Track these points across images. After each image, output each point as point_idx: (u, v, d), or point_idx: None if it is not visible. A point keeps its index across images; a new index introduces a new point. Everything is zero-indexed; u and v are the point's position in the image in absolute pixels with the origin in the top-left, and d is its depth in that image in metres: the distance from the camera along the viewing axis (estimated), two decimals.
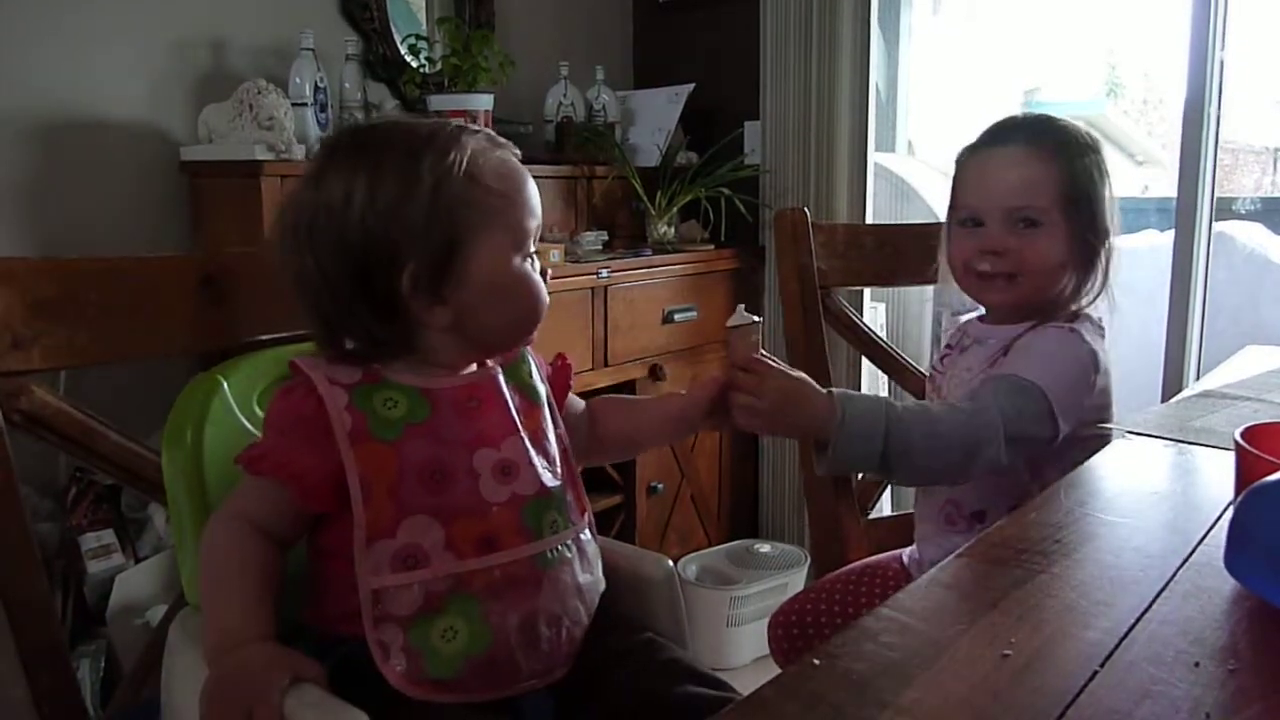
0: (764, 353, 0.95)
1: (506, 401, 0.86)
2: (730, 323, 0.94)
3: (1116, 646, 0.53)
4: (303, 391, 0.80)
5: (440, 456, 0.80)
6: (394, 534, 0.77)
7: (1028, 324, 1.09)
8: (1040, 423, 0.97)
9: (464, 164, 0.81)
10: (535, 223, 0.86)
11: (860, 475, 1.57)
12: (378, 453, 0.78)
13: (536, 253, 0.87)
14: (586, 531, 0.89)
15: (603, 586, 0.90)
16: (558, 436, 0.90)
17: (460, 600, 0.78)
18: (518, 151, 0.87)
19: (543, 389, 0.91)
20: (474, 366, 0.87)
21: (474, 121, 2.05)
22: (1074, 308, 1.10)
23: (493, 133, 0.86)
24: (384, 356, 0.83)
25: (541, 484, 0.84)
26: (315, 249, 0.80)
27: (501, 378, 0.87)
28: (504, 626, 0.79)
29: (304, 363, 0.82)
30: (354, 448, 0.78)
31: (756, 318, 0.93)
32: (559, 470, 0.87)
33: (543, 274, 0.87)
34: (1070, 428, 0.99)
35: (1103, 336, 1.08)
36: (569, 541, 0.85)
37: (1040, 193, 1.05)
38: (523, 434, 0.85)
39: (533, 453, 0.85)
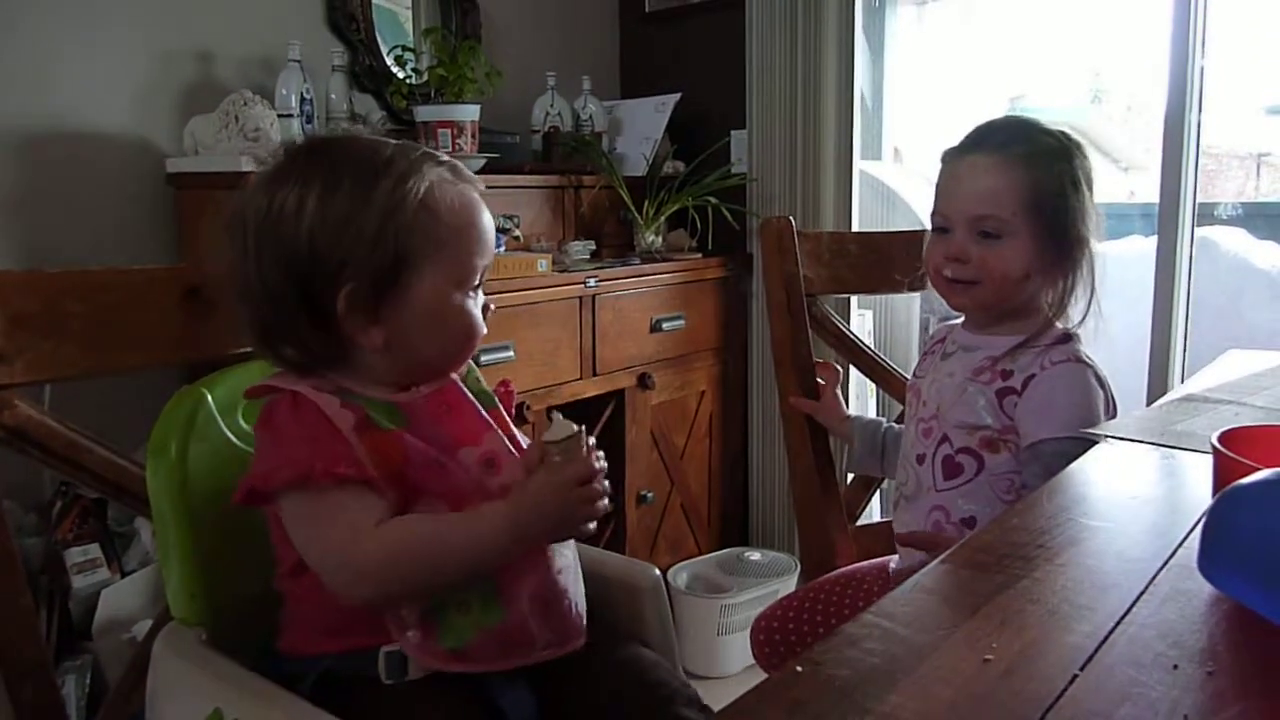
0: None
1: (473, 404, 0.87)
2: (548, 437, 0.82)
3: (1096, 650, 0.53)
4: (299, 403, 0.80)
5: (433, 452, 0.81)
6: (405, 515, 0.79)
7: (1012, 337, 1.10)
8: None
9: (420, 192, 0.81)
10: (484, 261, 0.86)
11: (849, 477, 1.58)
12: (385, 440, 0.79)
13: (479, 288, 0.87)
14: None
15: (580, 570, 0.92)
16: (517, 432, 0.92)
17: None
18: (482, 188, 0.87)
19: (492, 393, 0.92)
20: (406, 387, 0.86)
21: (461, 132, 2.06)
22: (1064, 326, 1.11)
23: (460, 165, 0.86)
24: (319, 367, 0.83)
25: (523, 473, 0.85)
26: (260, 253, 0.80)
27: (462, 385, 0.88)
28: (516, 597, 0.81)
29: (279, 381, 0.82)
30: (361, 440, 0.78)
31: (576, 426, 0.82)
32: None
33: (484, 309, 0.88)
34: None
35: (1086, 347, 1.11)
36: None
37: (1003, 202, 1.06)
38: (496, 429, 0.87)
39: (509, 446, 0.86)
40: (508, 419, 0.91)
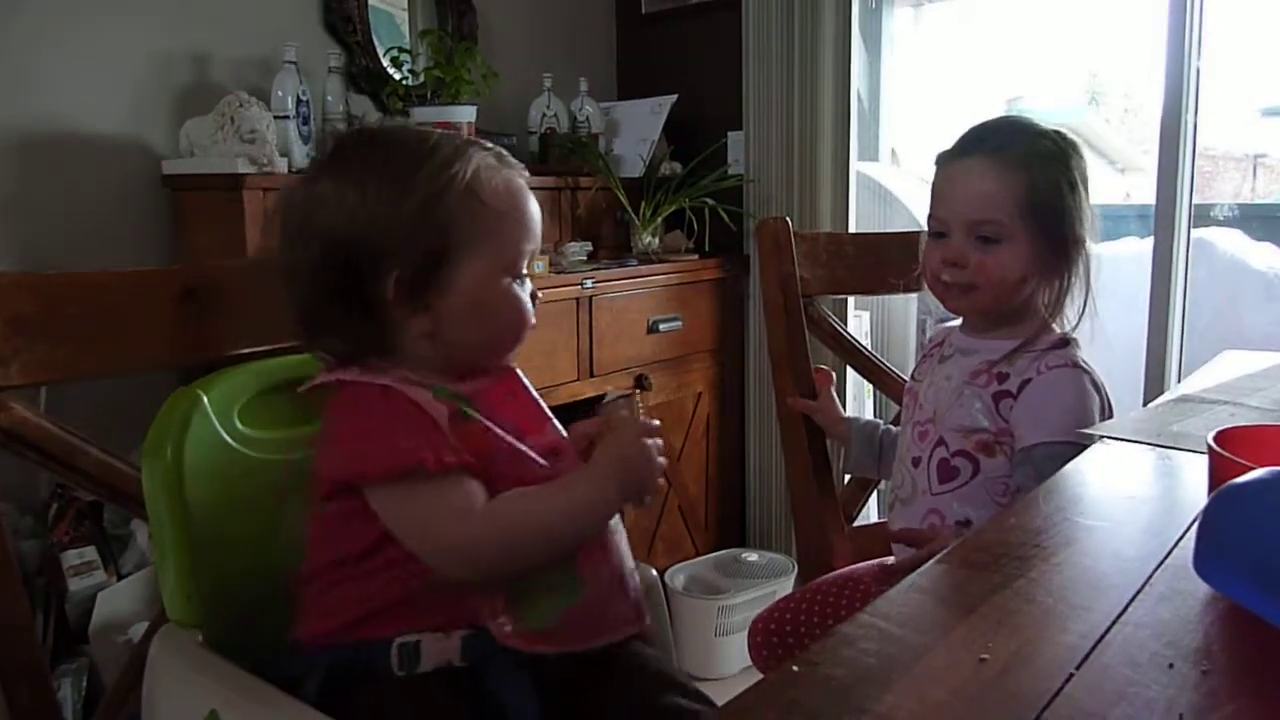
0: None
1: (533, 393, 0.89)
2: (607, 401, 0.92)
3: (1092, 650, 0.53)
4: (390, 395, 0.80)
5: (511, 441, 0.83)
6: None
7: (1009, 340, 1.10)
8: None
9: (466, 177, 0.81)
10: (531, 246, 0.86)
11: (846, 478, 1.58)
12: (473, 433, 0.81)
13: (528, 275, 0.88)
14: None
15: None
16: None
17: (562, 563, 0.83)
18: (526, 173, 0.88)
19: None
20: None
21: (456, 133, 2.06)
22: (1061, 330, 1.11)
23: (504, 152, 0.87)
24: (365, 356, 0.83)
25: (580, 464, 0.87)
26: (307, 241, 0.81)
27: (521, 374, 0.90)
28: (596, 577, 0.84)
29: (353, 376, 0.82)
30: (454, 432, 0.79)
31: (627, 392, 0.92)
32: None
33: (533, 297, 0.88)
34: None
35: (1082, 351, 1.10)
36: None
37: (1000, 206, 1.06)
38: (554, 421, 0.89)
39: (565, 436, 0.89)
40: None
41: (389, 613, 0.80)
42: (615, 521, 0.88)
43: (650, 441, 0.83)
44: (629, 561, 0.89)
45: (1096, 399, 1.07)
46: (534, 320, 0.88)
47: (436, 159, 0.81)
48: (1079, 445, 0.98)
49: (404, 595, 0.80)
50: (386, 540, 0.80)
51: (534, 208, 0.86)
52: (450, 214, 0.80)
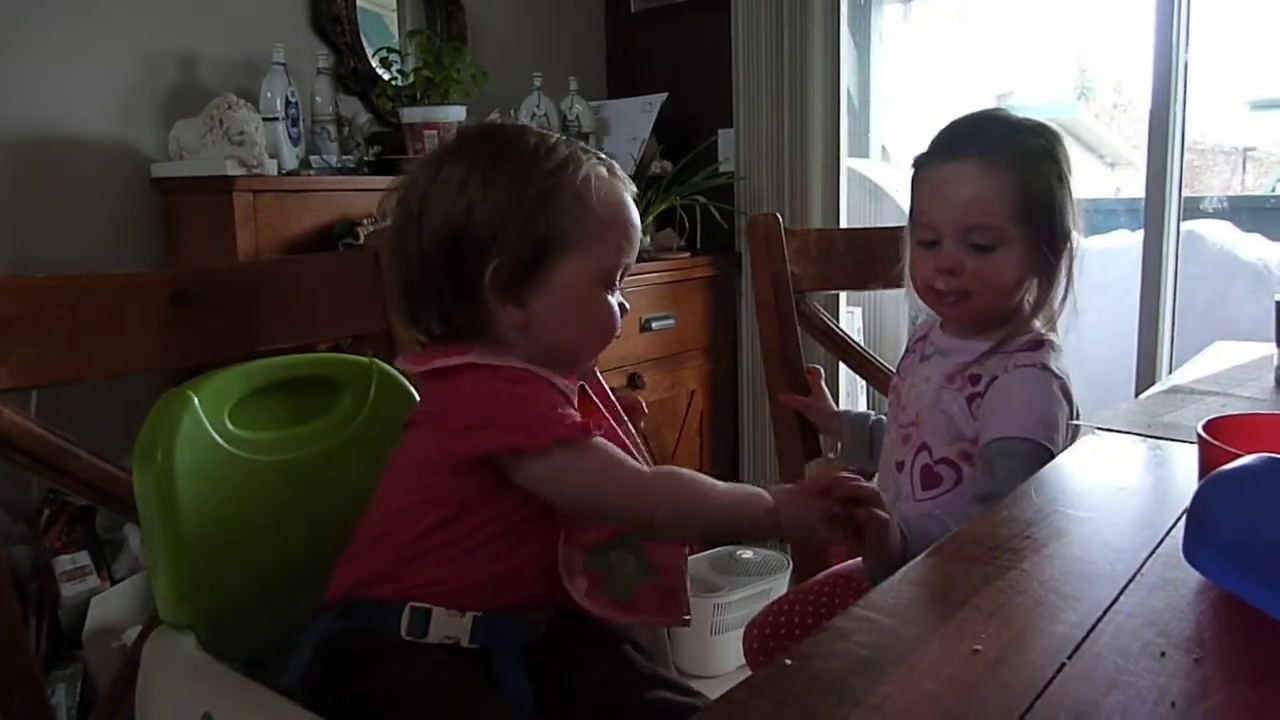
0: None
1: (614, 403, 0.94)
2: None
3: (1084, 639, 0.54)
4: (527, 375, 0.84)
5: (615, 427, 0.89)
6: None
7: (988, 341, 1.07)
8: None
9: (577, 181, 0.85)
10: (629, 259, 0.90)
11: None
12: (591, 417, 0.86)
13: (619, 287, 0.90)
14: None
15: None
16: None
17: (628, 537, 0.88)
18: (634, 189, 0.91)
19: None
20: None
21: (447, 134, 2.06)
22: (1041, 326, 1.08)
23: (615, 164, 0.91)
24: (459, 337, 0.87)
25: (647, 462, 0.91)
26: (421, 220, 0.85)
27: (602, 379, 0.94)
28: (661, 561, 0.89)
29: (489, 357, 0.85)
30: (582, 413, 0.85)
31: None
32: None
33: (621, 308, 0.91)
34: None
35: (1060, 353, 1.07)
36: None
37: (994, 211, 1.02)
38: (629, 426, 0.93)
39: (637, 437, 0.93)
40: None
41: (413, 577, 0.84)
42: None
43: (823, 497, 0.82)
44: (684, 554, 0.93)
45: (1065, 407, 1.03)
46: (620, 328, 0.91)
47: (553, 158, 0.85)
48: (1038, 446, 0.97)
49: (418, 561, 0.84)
50: (461, 514, 0.84)
51: (637, 221, 0.90)
52: (557, 214, 0.84)
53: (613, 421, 0.90)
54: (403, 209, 0.87)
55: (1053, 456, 0.96)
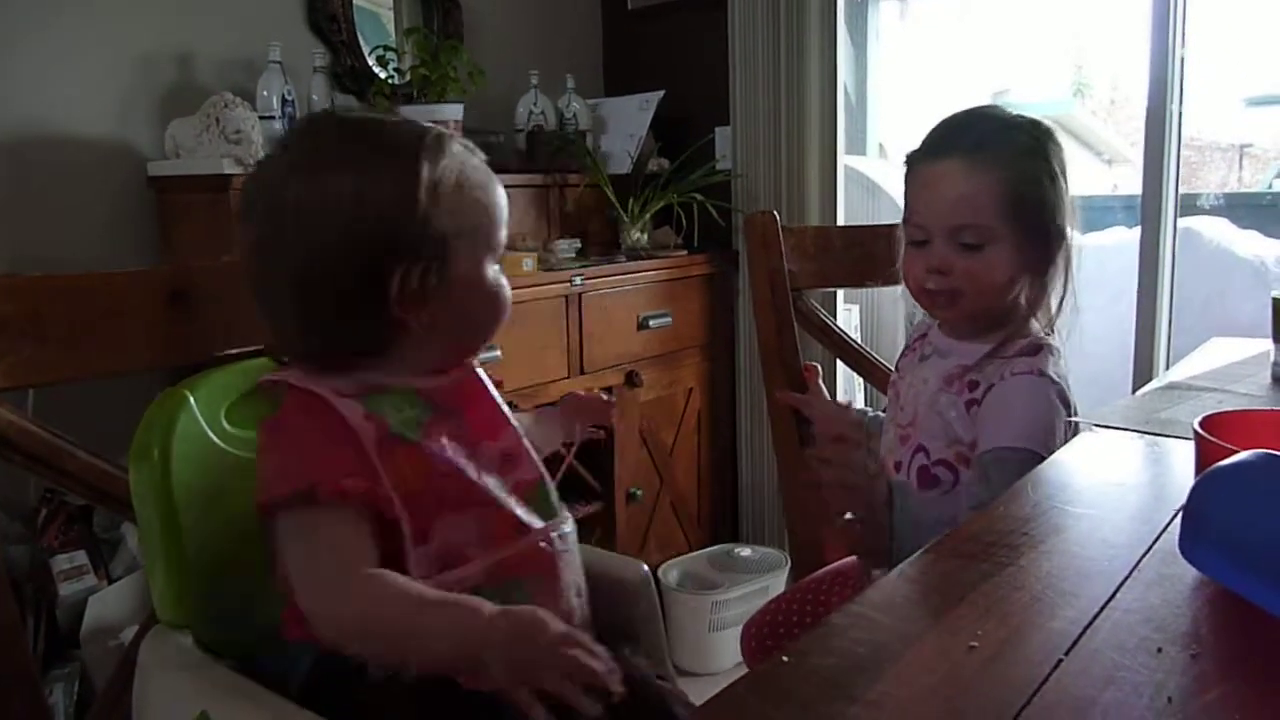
0: None
1: (493, 395, 0.88)
2: None
3: (1081, 635, 0.54)
4: (317, 407, 0.78)
5: (454, 454, 0.81)
6: (428, 537, 0.77)
7: (988, 344, 1.07)
8: None
9: (456, 170, 0.82)
10: (505, 232, 0.88)
11: None
12: (405, 455, 0.78)
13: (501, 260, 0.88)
14: (570, 516, 0.91)
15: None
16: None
17: (503, 588, 0.79)
18: (485, 158, 0.88)
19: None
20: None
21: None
22: (1042, 329, 1.08)
23: (465, 140, 0.87)
24: (357, 357, 0.82)
25: (538, 471, 0.87)
26: (306, 244, 0.78)
27: (482, 373, 0.89)
28: (546, 605, 0.78)
29: (296, 379, 0.80)
30: (382, 456, 0.76)
31: None
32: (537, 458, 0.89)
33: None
34: None
35: (1060, 357, 1.06)
36: (569, 522, 0.88)
37: (981, 210, 1.02)
38: (513, 424, 0.87)
39: (524, 441, 0.87)
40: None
41: None
42: (567, 538, 0.86)
43: (570, 653, 0.68)
44: (579, 578, 0.86)
45: (1062, 412, 1.02)
46: (511, 304, 0.88)
47: (426, 153, 0.80)
48: (1034, 455, 0.96)
49: None
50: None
51: (504, 194, 0.87)
52: (449, 207, 0.81)
53: (470, 437, 0.82)
54: (270, 232, 0.79)
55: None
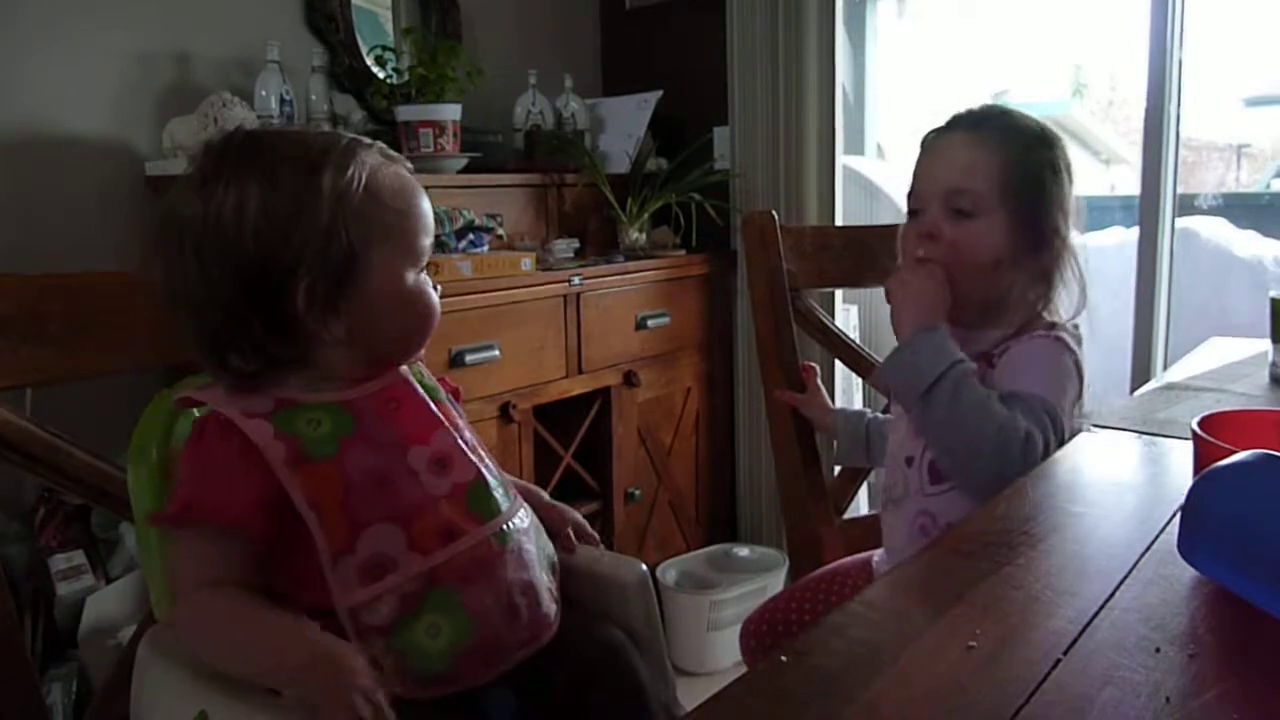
0: None
1: (423, 398, 0.87)
2: None
3: (1079, 635, 0.54)
4: (221, 430, 0.78)
5: (379, 463, 0.80)
6: (354, 549, 0.77)
7: (1003, 331, 1.07)
8: (1058, 432, 0.97)
9: (363, 179, 0.81)
10: (429, 239, 0.86)
11: (835, 471, 1.58)
12: (319, 472, 0.78)
13: (427, 267, 0.87)
14: (524, 506, 0.90)
15: (553, 549, 0.92)
16: (469, 426, 0.91)
17: (437, 595, 0.79)
18: (410, 166, 0.88)
19: (440, 389, 0.92)
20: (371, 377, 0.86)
21: (442, 132, 2.06)
22: (1053, 320, 1.08)
23: (386, 147, 0.86)
24: (277, 372, 0.82)
25: (477, 470, 0.85)
26: (204, 262, 0.78)
27: (411, 377, 0.88)
28: (484, 609, 0.80)
29: (209, 398, 0.81)
30: (294, 473, 0.77)
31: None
32: (483, 455, 0.88)
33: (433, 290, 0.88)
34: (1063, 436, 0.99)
35: (1080, 344, 1.07)
36: (518, 515, 0.87)
37: (977, 175, 1.03)
38: (446, 425, 0.86)
39: (460, 442, 0.86)
40: (457, 414, 0.91)
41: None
42: (517, 531, 0.85)
43: (354, 686, 0.69)
44: (531, 576, 0.85)
45: (1074, 379, 1.03)
46: (439, 310, 0.87)
47: (329, 164, 0.80)
48: (1046, 401, 0.97)
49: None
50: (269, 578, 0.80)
51: (426, 201, 0.86)
52: (354, 217, 0.80)
53: (398, 443, 0.82)
54: (174, 251, 0.79)
55: (1059, 421, 0.97)
